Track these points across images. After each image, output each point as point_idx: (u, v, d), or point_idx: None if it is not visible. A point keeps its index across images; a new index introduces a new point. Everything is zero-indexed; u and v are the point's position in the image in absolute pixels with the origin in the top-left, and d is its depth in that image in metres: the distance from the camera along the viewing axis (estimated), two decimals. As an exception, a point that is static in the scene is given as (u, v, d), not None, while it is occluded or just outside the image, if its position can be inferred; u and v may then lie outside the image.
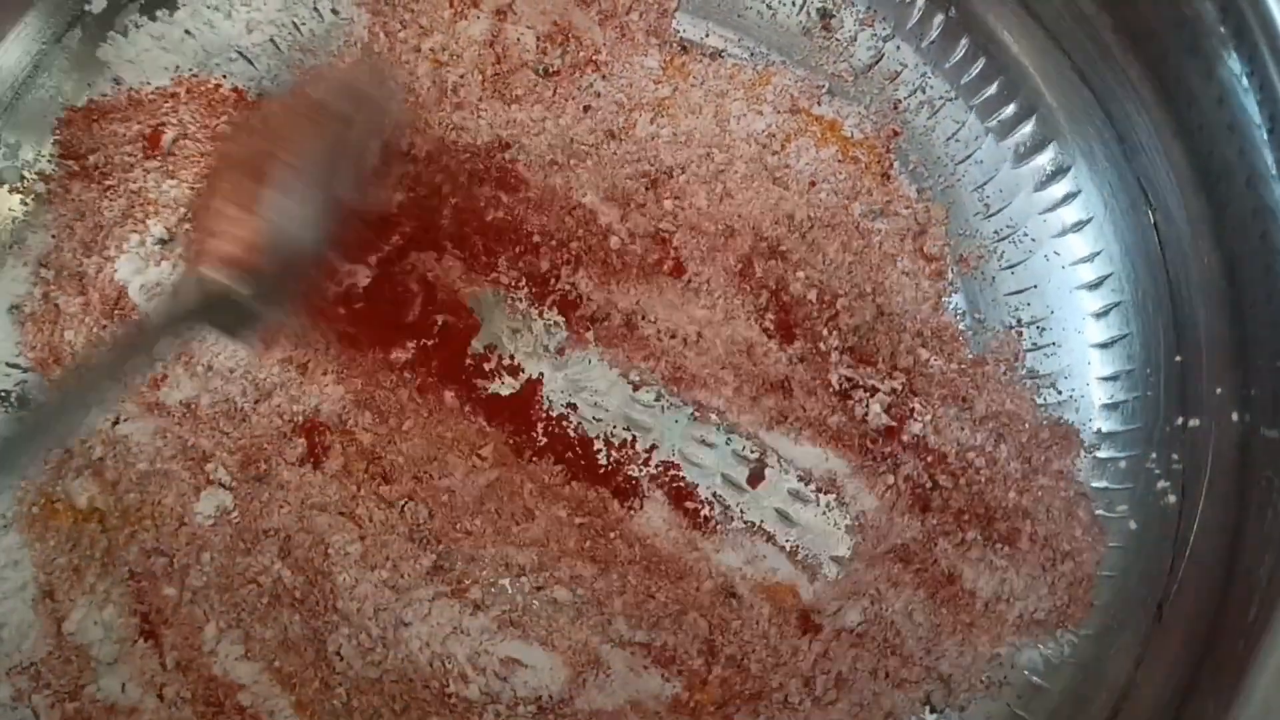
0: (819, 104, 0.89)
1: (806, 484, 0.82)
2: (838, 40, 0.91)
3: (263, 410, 0.81)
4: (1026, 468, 0.82)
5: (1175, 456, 0.81)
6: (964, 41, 0.88)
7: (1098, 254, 0.86)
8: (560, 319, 0.84)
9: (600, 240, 0.84)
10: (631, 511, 0.81)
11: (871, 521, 0.82)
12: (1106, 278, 0.85)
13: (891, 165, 0.88)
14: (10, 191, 0.85)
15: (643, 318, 0.83)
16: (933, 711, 0.80)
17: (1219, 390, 0.79)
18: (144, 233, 0.82)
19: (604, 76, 0.87)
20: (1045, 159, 0.87)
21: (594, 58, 0.87)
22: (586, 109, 0.86)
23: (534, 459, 0.82)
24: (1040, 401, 0.84)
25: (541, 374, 0.83)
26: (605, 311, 0.84)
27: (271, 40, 0.87)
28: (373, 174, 0.79)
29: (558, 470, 0.82)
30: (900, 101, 0.90)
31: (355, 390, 0.82)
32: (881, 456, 0.82)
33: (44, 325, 0.82)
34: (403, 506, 0.80)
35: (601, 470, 0.82)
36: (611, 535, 0.81)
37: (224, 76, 0.87)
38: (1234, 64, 0.73)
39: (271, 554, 0.80)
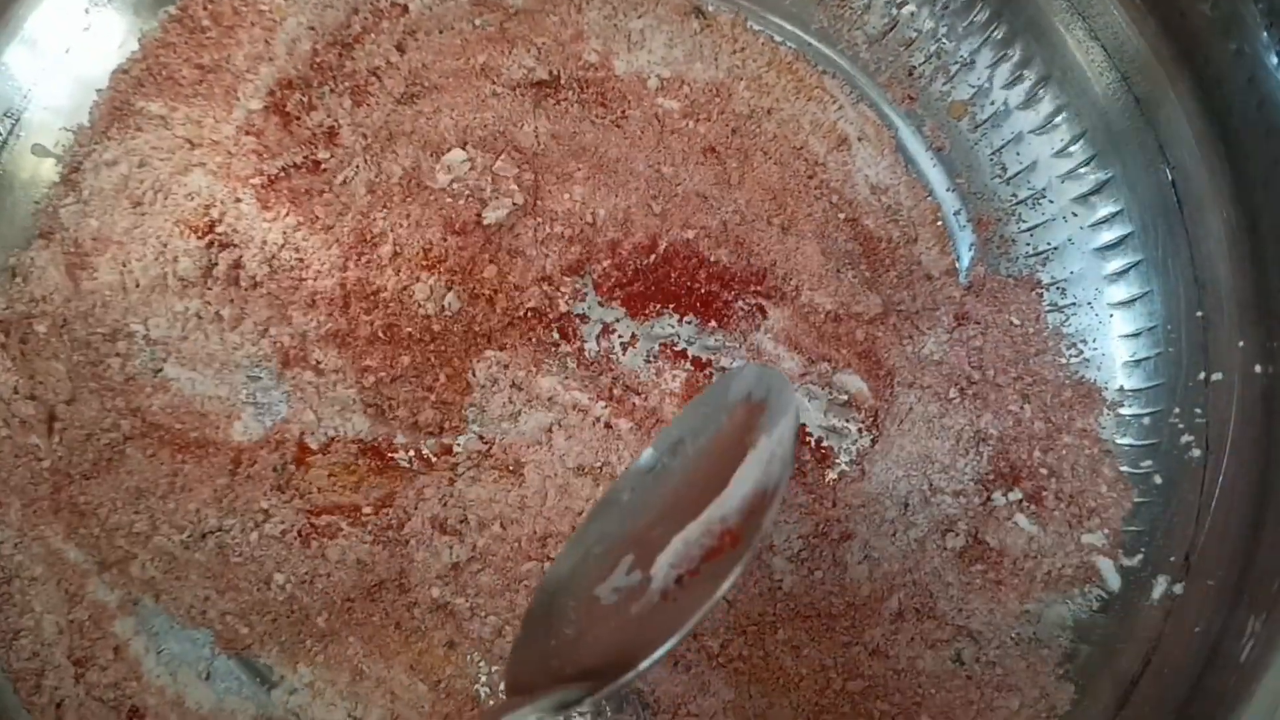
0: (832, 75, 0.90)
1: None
2: (852, 8, 0.91)
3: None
4: (1050, 426, 0.83)
5: (1199, 411, 0.81)
6: (981, 6, 0.89)
7: (1117, 214, 0.86)
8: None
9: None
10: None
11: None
12: (1126, 237, 0.86)
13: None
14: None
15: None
16: (962, 667, 0.80)
17: (1241, 343, 0.79)
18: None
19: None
20: (1063, 121, 0.88)
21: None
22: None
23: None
24: (1063, 361, 0.84)
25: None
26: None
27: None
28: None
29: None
30: (915, 68, 0.90)
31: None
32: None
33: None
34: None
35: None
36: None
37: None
38: (1253, 17, 0.74)
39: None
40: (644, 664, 0.60)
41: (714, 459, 0.67)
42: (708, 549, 0.64)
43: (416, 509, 0.81)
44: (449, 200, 0.84)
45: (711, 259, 0.85)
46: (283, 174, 0.85)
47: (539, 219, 0.85)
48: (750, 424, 0.66)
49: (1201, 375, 0.82)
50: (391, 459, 0.82)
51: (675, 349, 0.84)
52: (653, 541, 0.65)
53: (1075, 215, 0.87)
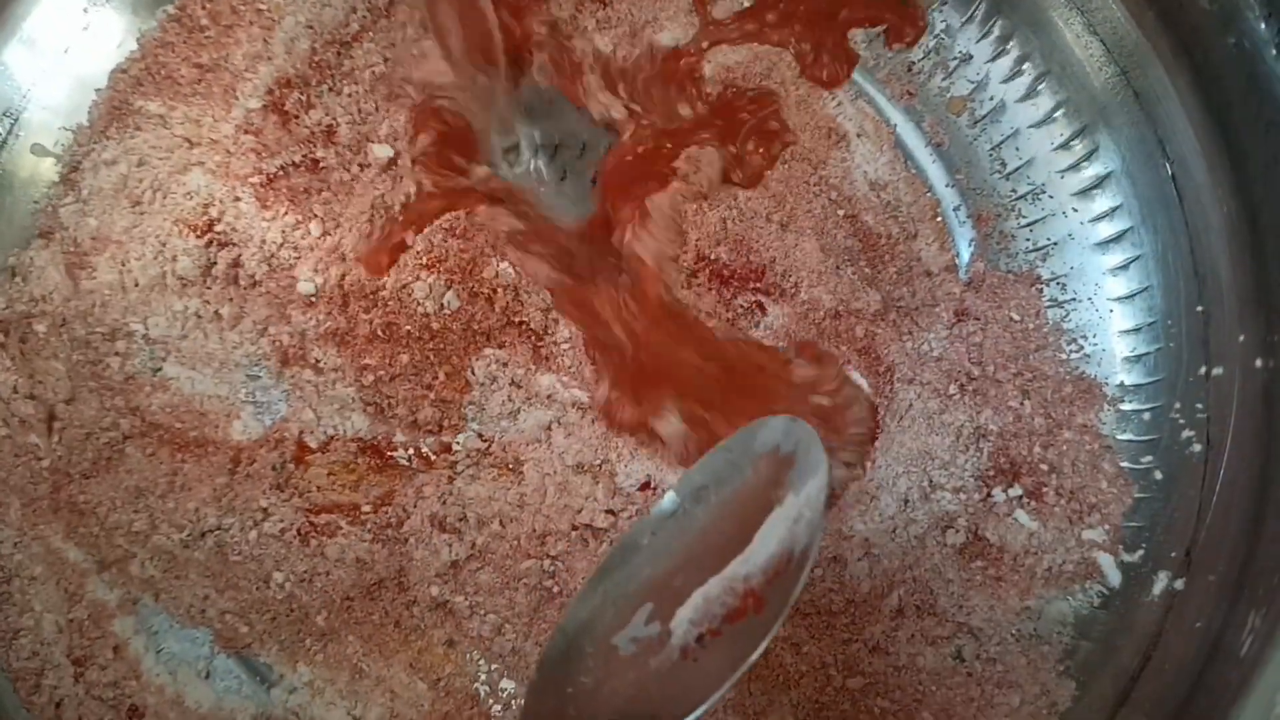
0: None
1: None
2: (851, 5, 0.91)
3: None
4: (1050, 422, 0.82)
5: (1199, 406, 0.81)
6: (979, 1, 0.89)
7: (1116, 209, 0.86)
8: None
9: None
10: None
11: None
12: (1126, 232, 0.85)
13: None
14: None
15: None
16: (963, 664, 0.80)
17: (1241, 338, 0.79)
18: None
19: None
20: (1062, 116, 0.87)
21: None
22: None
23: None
24: (1063, 356, 0.84)
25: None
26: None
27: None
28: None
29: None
30: (914, 64, 0.90)
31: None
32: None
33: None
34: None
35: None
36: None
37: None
38: (1251, 10, 0.74)
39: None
40: None
41: (738, 511, 0.67)
42: (730, 608, 0.64)
43: (416, 507, 0.81)
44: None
45: (710, 256, 0.85)
46: (281, 173, 0.85)
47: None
48: (777, 478, 0.66)
49: (1202, 370, 0.81)
50: (391, 457, 0.82)
51: (674, 346, 0.84)
52: (672, 592, 0.65)
53: (1075, 210, 0.86)
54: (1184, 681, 0.75)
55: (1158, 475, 0.82)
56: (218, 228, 0.83)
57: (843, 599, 0.79)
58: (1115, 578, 0.81)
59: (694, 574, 0.65)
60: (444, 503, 0.81)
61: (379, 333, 0.82)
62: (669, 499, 0.68)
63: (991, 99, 0.88)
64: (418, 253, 0.82)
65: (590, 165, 0.87)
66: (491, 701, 0.80)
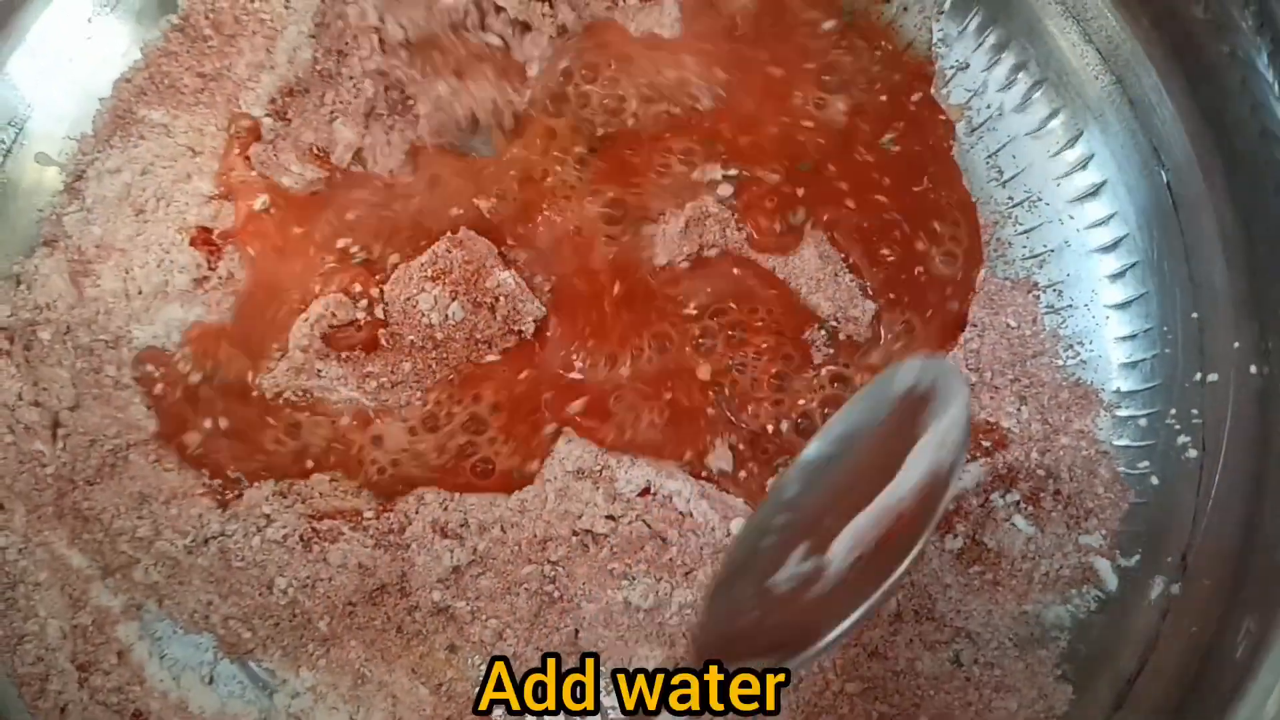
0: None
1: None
2: (848, 15, 0.92)
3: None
4: (1048, 428, 0.83)
5: (1195, 411, 0.81)
6: (976, 11, 0.89)
7: (1112, 216, 0.86)
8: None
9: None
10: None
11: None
12: (1122, 239, 0.86)
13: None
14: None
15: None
16: (961, 669, 0.80)
17: (1236, 344, 0.80)
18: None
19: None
20: (1058, 125, 0.88)
21: None
22: None
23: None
24: (1059, 363, 0.84)
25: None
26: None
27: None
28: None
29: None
30: (912, 72, 0.91)
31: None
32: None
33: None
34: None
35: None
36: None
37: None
38: (1246, 20, 0.74)
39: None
40: (834, 633, 0.62)
41: (881, 449, 0.67)
42: (884, 531, 0.65)
43: (417, 513, 0.81)
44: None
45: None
46: (284, 181, 0.86)
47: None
48: (916, 418, 0.67)
49: (1197, 376, 0.82)
50: (392, 463, 0.83)
51: (674, 352, 0.85)
52: (825, 530, 0.66)
53: (1071, 218, 0.87)
54: (1180, 685, 0.75)
55: (1154, 480, 0.82)
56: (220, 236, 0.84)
57: (841, 604, 0.80)
58: (1112, 582, 0.81)
59: (844, 513, 0.66)
60: (445, 509, 0.81)
61: (383, 342, 0.83)
62: (812, 447, 0.69)
63: (988, 107, 0.89)
64: (423, 264, 0.83)
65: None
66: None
